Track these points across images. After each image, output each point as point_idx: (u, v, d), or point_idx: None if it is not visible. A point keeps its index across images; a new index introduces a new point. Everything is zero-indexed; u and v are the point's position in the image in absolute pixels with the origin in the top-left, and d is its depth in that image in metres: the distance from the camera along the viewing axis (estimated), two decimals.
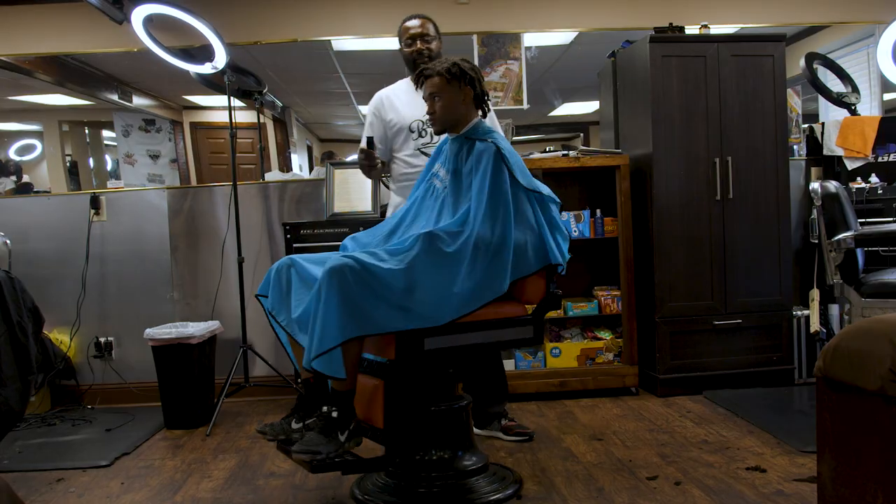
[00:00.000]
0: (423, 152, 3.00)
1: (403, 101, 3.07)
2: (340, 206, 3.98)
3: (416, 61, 2.95)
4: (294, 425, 2.40)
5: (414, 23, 3.03)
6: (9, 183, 6.29)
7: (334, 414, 2.27)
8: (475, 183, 2.41)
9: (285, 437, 2.39)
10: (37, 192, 6.07)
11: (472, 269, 2.29)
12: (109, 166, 8.28)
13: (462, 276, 2.28)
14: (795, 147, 4.32)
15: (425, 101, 2.56)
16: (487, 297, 2.31)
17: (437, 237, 2.31)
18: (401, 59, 3.12)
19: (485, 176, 2.39)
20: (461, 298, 2.28)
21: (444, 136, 2.64)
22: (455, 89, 2.51)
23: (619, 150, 4.00)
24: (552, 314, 3.78)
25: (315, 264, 2.40)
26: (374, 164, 2.91)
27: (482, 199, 2.37)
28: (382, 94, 3.13)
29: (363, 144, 2.90)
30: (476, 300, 2.30)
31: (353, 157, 4.27)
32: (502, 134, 2.87)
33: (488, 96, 2.62)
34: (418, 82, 2.55)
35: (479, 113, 2.59)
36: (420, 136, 3.03)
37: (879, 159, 4.12)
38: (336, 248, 2.68)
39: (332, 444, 2.24)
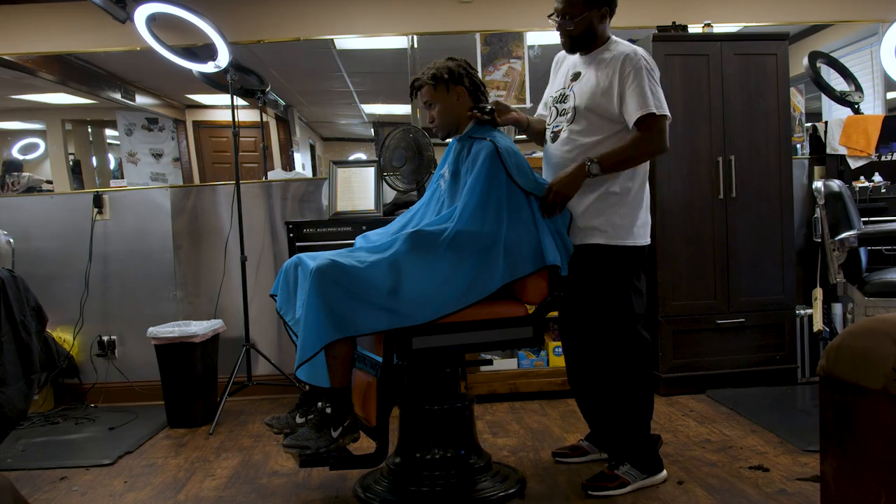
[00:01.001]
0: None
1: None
2: (343, 205, 3.98)
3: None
4: (297, 419, 2.44)
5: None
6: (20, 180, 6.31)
7: (328, 410, 2.29)
8: (468, 181, 2.39)
9: (290, 430, 2.42)
10: (40, 190, 6.08)
11: (456, 268, 2.28)
12: (112, 165, 8.28)
13: (445, 274, 2.27)
14: (798, 146, 4.31)
15: (424, 111, 2.56)
16: (473, 297, 2.29)
17: (420, 235, 2.31)
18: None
19: (479, 175, 2.37)
20: (445, 297, 2.27)
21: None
22: (444, 93, 2.50)
23: None
24: (554, 313, 3.78)
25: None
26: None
27: (472, 197, 2.34)
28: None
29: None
30: (461, 300, 2.28)
31: (357, 155, 4.24)
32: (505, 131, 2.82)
33: (483, 88, 2.58)
34: (412, 95, 2.54)
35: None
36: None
37: (883, 158, 4.12)
38: (338, 247, 2.69)
39: (323, 439, 2.26)
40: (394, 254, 2.28)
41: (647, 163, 2.60)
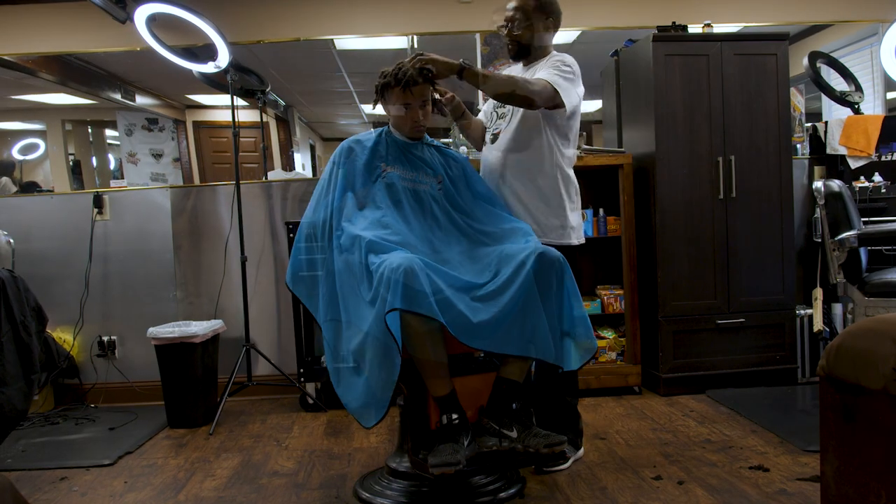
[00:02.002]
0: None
1: None
2: None
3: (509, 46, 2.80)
4: (465, 442, 2.27)
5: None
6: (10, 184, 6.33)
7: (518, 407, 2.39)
8: (490, 194, 2.67)
9: (468, 457, 2.23)
10: (40, 191, 6.09)
11: None
12: (112, 165, 8.28)
13: None
14: (798, 146, 4.31)
15: (409, 108, 2.54)
16: None
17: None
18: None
19: (484, 183, 2.69)
20: None
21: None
22: (430, 96, 2.61)
23: (623, 149, 4.00)
24: None
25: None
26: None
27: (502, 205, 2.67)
28: None
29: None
30: None
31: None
32: None
33: None
34: (404, 90, 2.50)
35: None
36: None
37: (883, 158, 4.12)
38: None
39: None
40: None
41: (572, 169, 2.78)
